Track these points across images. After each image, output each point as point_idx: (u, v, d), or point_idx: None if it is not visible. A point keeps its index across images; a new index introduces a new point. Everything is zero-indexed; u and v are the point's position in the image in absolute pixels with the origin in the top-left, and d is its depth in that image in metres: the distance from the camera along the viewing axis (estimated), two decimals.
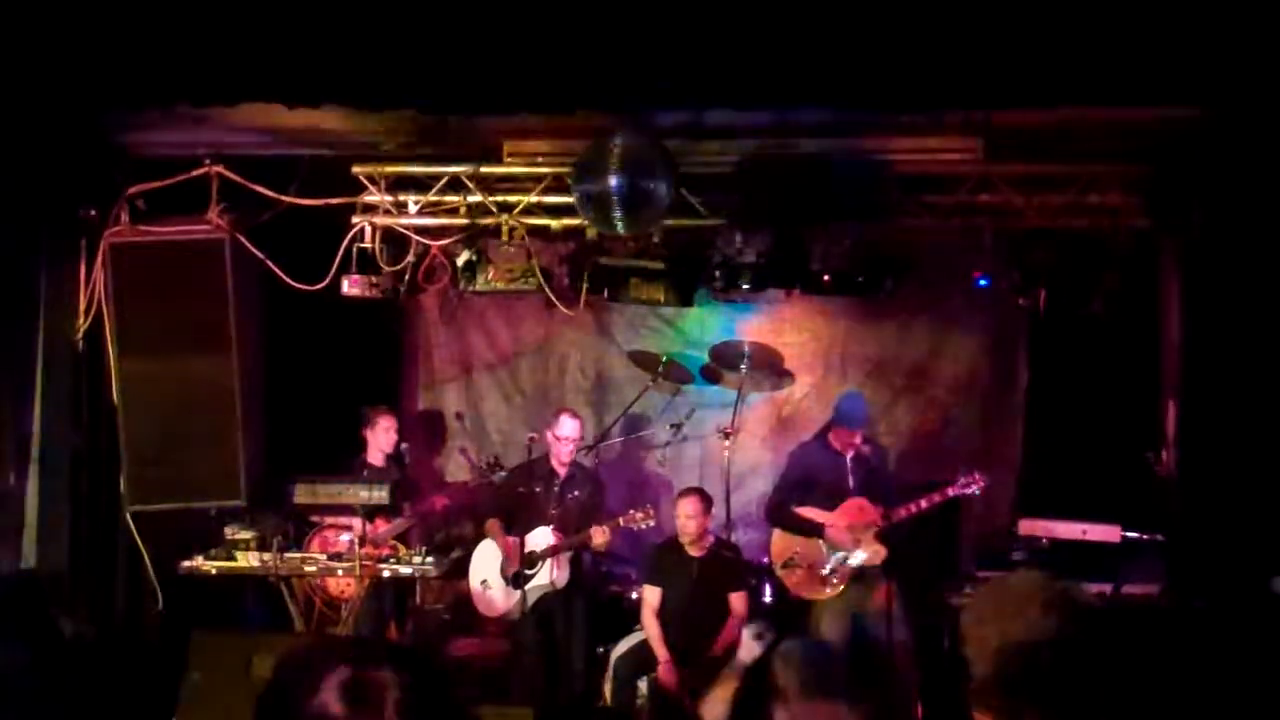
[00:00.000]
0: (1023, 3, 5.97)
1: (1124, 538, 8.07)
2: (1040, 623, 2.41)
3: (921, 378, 9.63)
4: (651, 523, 8.03)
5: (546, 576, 8.07)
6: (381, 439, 8.58)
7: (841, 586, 7.93)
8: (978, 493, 7.89)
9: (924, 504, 7.80)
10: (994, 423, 9.54)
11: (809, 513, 8.03)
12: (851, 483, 7.95)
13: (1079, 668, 2.39)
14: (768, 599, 8.56)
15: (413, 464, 8.93)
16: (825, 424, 8.35)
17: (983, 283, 8.56)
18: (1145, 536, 8.11)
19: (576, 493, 8.33)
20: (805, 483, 8.17)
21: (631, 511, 8.03)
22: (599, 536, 7.97)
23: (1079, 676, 2.39)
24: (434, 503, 8.42)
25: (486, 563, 8.32)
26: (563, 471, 8.38)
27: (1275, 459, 7.22)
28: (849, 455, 7.99)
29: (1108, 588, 8.02)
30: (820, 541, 7.95)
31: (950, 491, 7.79)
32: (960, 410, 9.59)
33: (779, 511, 8.19)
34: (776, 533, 8.19)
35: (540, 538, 8.10)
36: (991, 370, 9.59)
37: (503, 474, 8.35)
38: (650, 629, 7.95)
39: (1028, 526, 8.30)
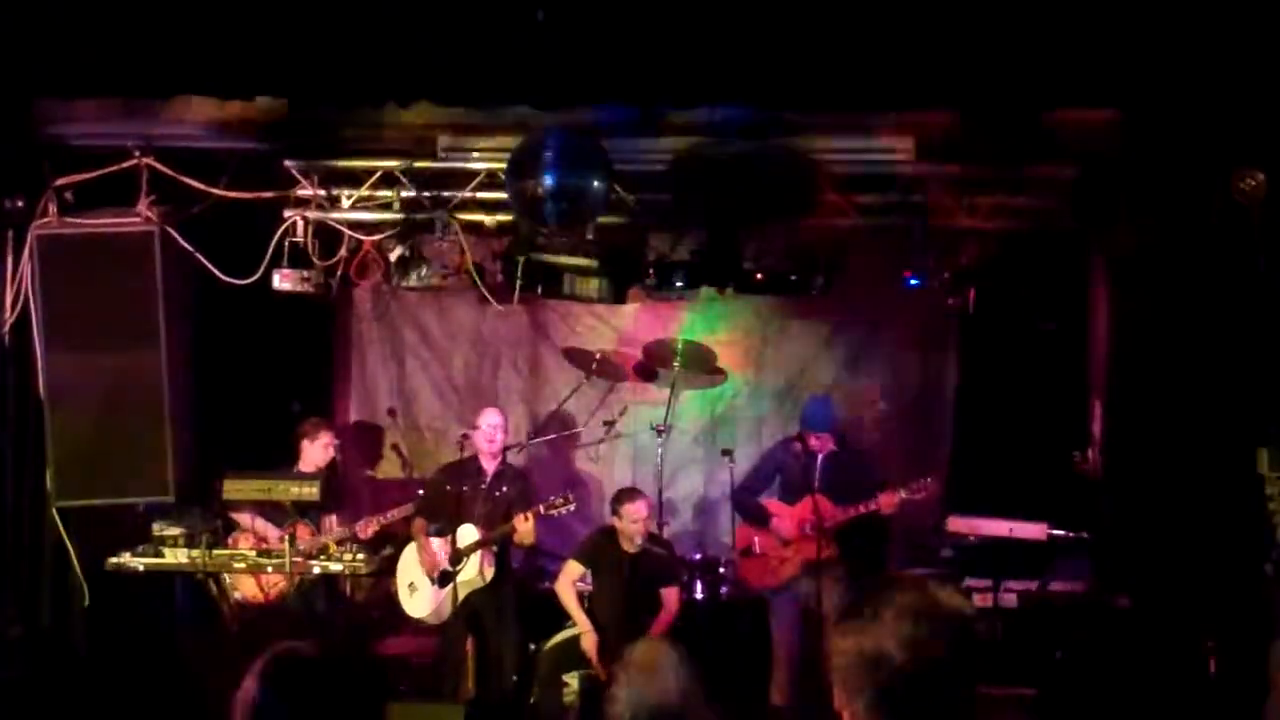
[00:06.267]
0: (955, 5, 6.03)
1: (1050, 536, 8.17)
2: (894, 631, 2.44)
3: (853, 376, 9.70)
4: (571, 507, 7.98)
5: (475, 570, 8.05)
6: (319, 453, 8.48)
7: (789, 577, 7.99)
8: (927, 497, 7.97)
9: (872, 505, 7.84)
10: (923, 421, 9.61)
11: (769, 504, 8.11)
12: (817, 481, 7.98)
13: (927, 678, 2.41)
14: (699, 595, 8.60)
15: (344, 475, 8.90)
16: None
17: (913, 282, 8.62)
18: (1071, 535, 8.21)
19: (505, 489, 8.29)
20: (773, 476, 8.27)
21: (551, 498, 7.98)
22: (521, 524, 7.92)
23: (923, 685, 2.41)
24: (364, 529, 8.28)
25: (413, 565, 8.27)
26: (490, 468, 8.35)
27: (1199, 459, 7.32)
28: (821, 455, 8.04)
29: (1034, 585, 8.13)
30: (772, 533, 8.04)
31: (901, 494, 7.84)
32: (890, 408, 9.65)
33: (740, 497, 8.37)
34: (741, 523, 8.30)
35: (467, 535, 8.07)
36: (921, 369, 9.67)
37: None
38: (565, 597, 8.04)
39: (956, 524, 8.37)
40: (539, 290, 8.74)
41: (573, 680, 7.91)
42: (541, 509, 7.92)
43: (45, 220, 7.54)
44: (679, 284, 8.48)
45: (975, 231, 8.21)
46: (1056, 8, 5.94)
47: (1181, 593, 7.24)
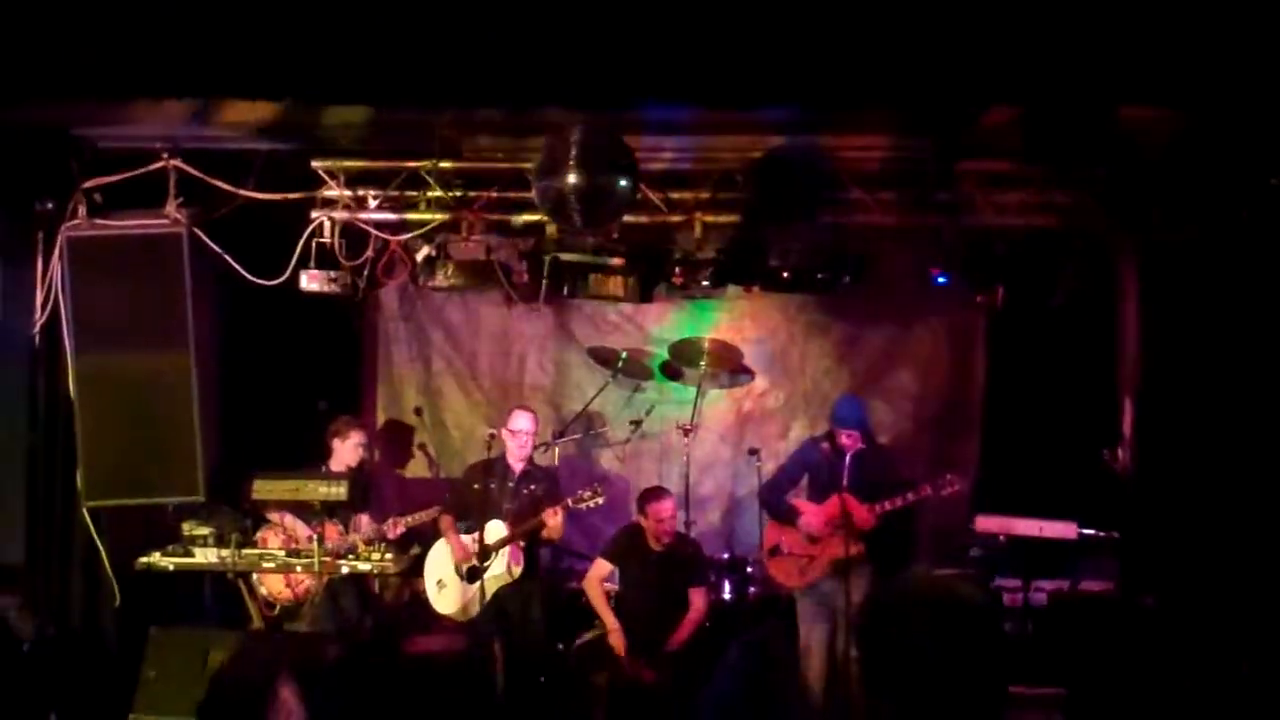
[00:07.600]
0: (983, 3, 6.00)
1: (1080, 535, 8.13)
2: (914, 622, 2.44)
3: (880, 374, 9.65)
4: (601, 500, 8.01)
5: (502, 566, 8.05)
6: (349, 452, 8.49)
7: (817, 577, 7.94)
8: (953, 494, 7.90)
9: (899, 502, 7.79)
10: (951, 419, 9.56)
11: (798, 503, 8.08)
12: (845, 480, 7.93)
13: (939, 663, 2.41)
14: (727, 595, 8.58)
15: (373, 474, 8.91)
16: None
17: (941, 280, 8.57)
18: (1101, 534, 8.17)
19: (533, 487, 8.29)
20: (801, 475, 8.22)
21: (579, 491, 8.01)
22: (551, 518, 7.94)
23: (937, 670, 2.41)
24: (392, 529, 8.28)
25: (441, 562, 8.29)
26: (519, 468, 8.36)
27: (1229, 458, 7.28)
28: (850, 453, 7.98)
29: (1064, 584, 8.09)
30: (800, 532, 8.00)
31: (926, 491, 7.78)
32: (918, 407, 9.61)
33: (768, 496, 8.30)
34: (769, 522, 8.25)
35: (495, 531, 8.08)
36: (949, 367, 9.61)
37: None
38: (593, 595, 8.07)
39: (985, 523, 8.33)
40: (565, 289, 8.74)
41: (600, 679, 7.91)
42: (570, 502, 7.93)
43: (75, 222, 7.60)
44: (705, 282, 8.46)
45: (1003, 228, 8.16)
46: (1094, 7, 5.90)
47: (1213, 592, 7.19)
